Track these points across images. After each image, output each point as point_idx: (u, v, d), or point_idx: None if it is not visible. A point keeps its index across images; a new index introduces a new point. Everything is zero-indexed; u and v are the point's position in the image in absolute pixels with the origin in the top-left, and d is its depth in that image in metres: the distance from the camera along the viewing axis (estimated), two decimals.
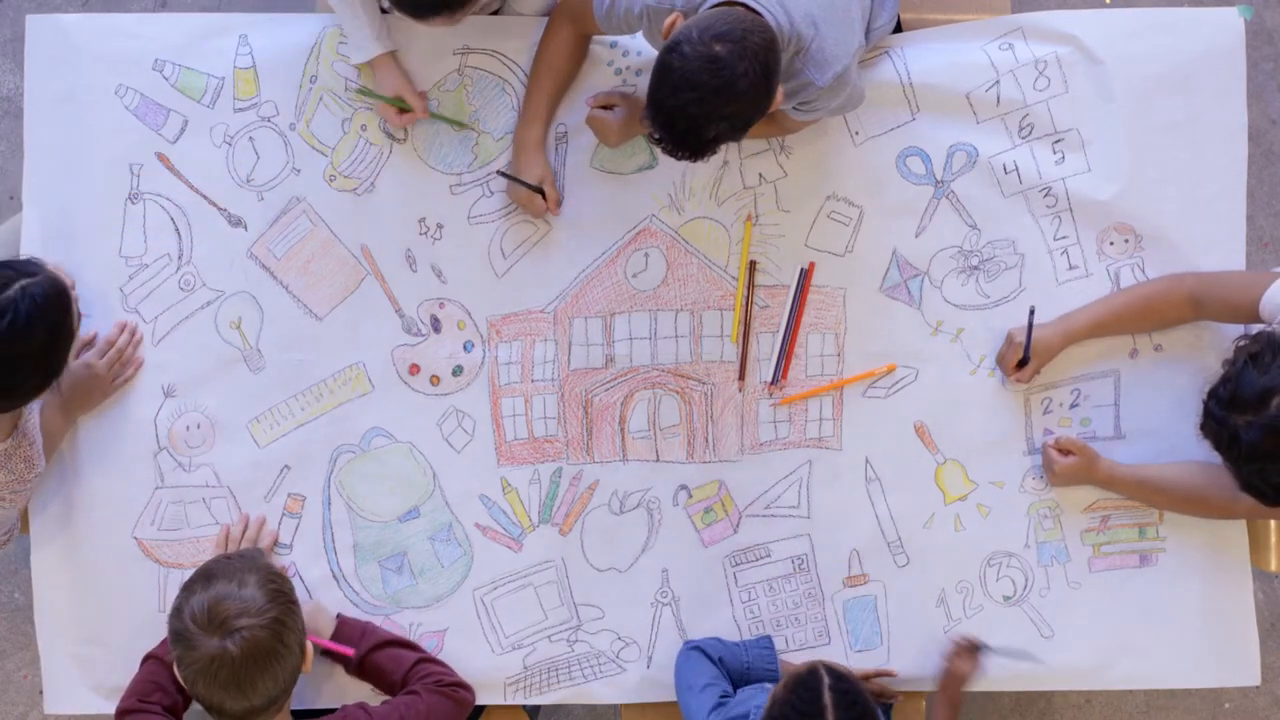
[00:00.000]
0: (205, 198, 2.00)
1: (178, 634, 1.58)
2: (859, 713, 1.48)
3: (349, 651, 1.86)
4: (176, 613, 1.59)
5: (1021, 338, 1.92)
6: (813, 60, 1.72)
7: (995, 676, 1.99)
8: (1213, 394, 1.61)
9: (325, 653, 1.88)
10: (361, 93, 1.98)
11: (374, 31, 1.93)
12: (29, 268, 1.65)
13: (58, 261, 1.87)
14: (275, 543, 1.97)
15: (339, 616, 1.91)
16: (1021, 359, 1.93)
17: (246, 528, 1.96)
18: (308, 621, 1.85)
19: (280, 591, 1.61)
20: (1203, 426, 1.63)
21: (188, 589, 1.61)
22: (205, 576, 1.62)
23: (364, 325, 2.01)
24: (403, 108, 1.96)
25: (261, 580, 1.60)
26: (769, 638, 1.95)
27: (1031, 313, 1.92)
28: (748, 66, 1.55)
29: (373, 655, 1.87)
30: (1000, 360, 1.98)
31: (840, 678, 1.51)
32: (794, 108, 1.81)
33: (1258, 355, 1.57)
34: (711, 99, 1.56)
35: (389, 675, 1.86)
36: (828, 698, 1.47)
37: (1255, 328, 1.76)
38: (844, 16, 1.75)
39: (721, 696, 1.78)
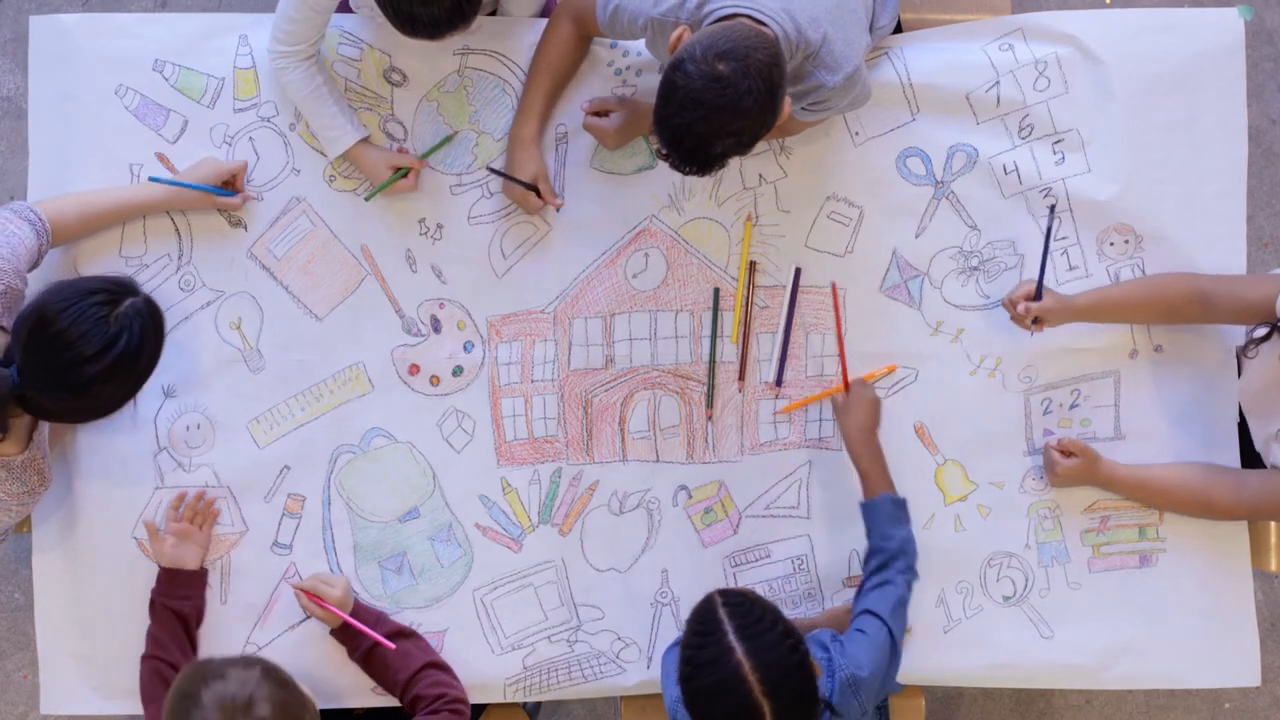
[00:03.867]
0: None
1: None
2: (757, 615, 1.55)
3: (390, 646, 1.85)
4: None
5: (1032, 283, 1.87)
6: (823, 63, 1.71)
7: (995, 675, 1.99)
8: None
9: (336, 634, 1.90)
10: (368, 198, 1.99)
11: (348, 118, 1.95)
12: (129, 285, 1.68)
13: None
14: (216, 516, 1.97)
15: (354, 600, 1.93)
16: (1034, 292, 1.88)
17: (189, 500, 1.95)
18: (338, 596, 1.88)
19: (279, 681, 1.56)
20: None
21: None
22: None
23: (364, 325, 2.01)
24: (403, 173, 1.97)
25: (260, 677, 1.54)
26: None
27: (1052, 210, 1.92)
28: (751, 85, 1.55)
29: (381, 647, 1.87)
30: (1007, 303, 1.91)
31: (733, 594, 1.60)
32: (802, 108, 1.81)
33: None
34: (716, 117, 1.56)
35: (394, 673, 1.86)
36: (722, 613, 1.55)
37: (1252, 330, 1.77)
38: (852, 17, 1.75)
39: None
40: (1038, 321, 1.90)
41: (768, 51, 1.58)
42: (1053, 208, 1.91)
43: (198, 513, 1.95)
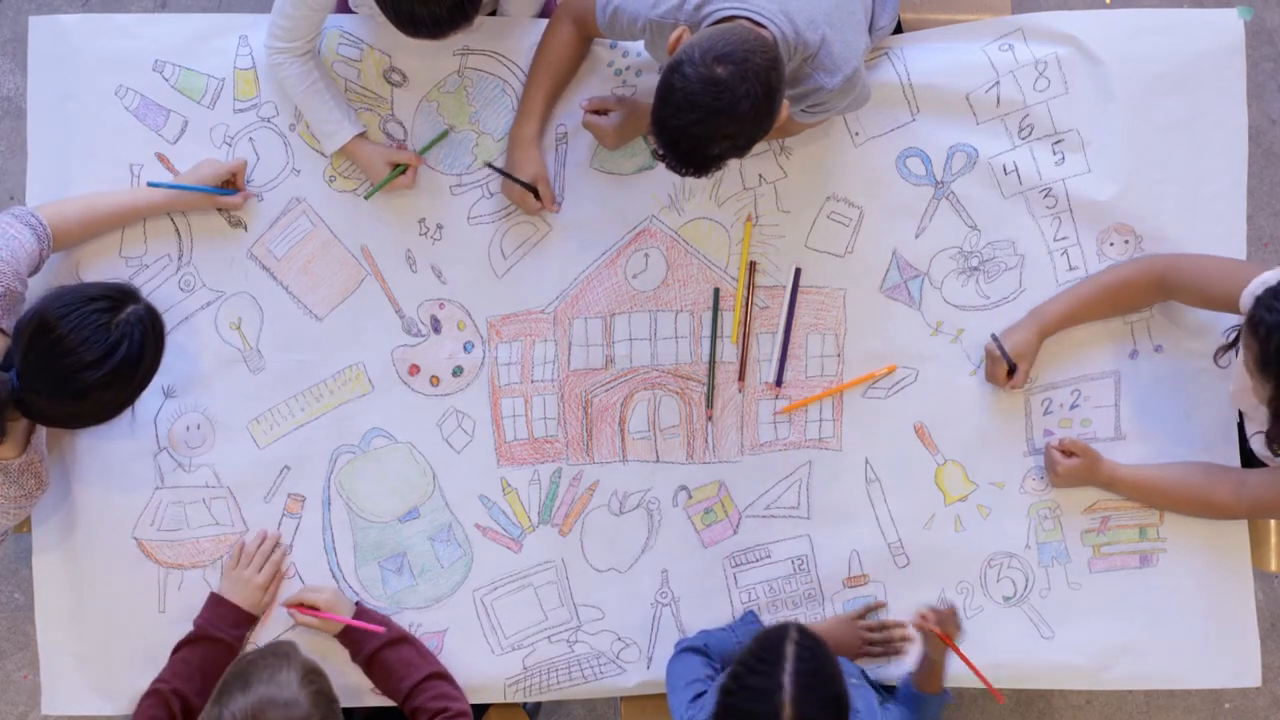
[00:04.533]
0: None
1: None
2: (820, 666, 1.49)
3: (379, 629, 1.86)
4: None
5: (997, 352, 1.94)
6: (822, 65, 1.71)
7: (995, 675, 1.99)
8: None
9: (340, 636, 1.90)
10: (368, 196, 1.99)
11: (345, 114, 1.94)
12: (131, 292, 1.68)
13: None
14: (283, 559, 1.97)
15: (357, 604, 1.93)
16: (1008, 369, 1.94)
17: (263, 542, 1.95)
18: (330, 605, 1.88)
19: (321, 692, 1.56)
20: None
21: (224, 693, 1.52)
22: (241, 678, 1.54)
23: (364, 325, 2.01)
24: (401, 170, 1.97)
25: (302, 680, 1.54)
26: (753, 612, 1.96)
27: (994, 337, 1.95)
28: (749, 88, 1.55)
29: (384, 652, 1.87)
30: (990, 379, 1.98)
31: (808, 635, 1.53)
32: (802, 110, 1.81)
33: None
34: (713, 120, 1.56)
35: (397, 680, 1.86)
36: (789, 649, 1.50)
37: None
38: (851, 19, 1.75)
39: (699, 693, 1.78)
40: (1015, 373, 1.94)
41: (766, 54, 1.58)
42: (994, 335, 1.96)
43: (269, 559, 1.95)
